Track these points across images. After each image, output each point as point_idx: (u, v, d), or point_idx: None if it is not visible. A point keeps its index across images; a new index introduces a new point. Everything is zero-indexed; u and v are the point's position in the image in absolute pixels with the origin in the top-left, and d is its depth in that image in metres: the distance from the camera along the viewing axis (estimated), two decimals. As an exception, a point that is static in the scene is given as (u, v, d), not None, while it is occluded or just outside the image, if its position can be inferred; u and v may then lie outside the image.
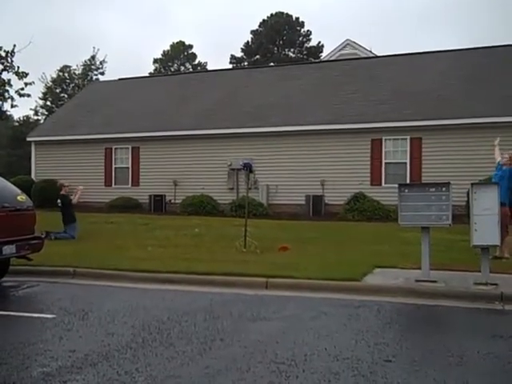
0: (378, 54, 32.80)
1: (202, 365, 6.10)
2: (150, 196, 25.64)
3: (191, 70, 63.30)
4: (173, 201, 25.69)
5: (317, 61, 48.77)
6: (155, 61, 67.61)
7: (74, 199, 17.13)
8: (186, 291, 10.23)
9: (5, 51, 20.96)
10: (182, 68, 66.12)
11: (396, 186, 10.73)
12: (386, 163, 23.16)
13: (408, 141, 22.79)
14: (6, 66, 21.09)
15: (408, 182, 21.29)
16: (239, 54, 63.68)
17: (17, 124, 59.11)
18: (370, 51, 34.97)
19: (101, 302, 9.53)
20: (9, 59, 20.97)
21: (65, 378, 5.68)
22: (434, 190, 10.20)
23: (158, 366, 6.03)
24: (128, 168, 27.39)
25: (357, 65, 28.88)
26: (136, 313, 8.53)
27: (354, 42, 34.77)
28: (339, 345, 6.79)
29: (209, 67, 63.17)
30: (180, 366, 6.08)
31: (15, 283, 11.19)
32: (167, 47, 68.10)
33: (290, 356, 6.33)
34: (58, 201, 16.90)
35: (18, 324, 8.29)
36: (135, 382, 5.55)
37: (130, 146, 27.33)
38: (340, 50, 34.64)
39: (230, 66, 58.38)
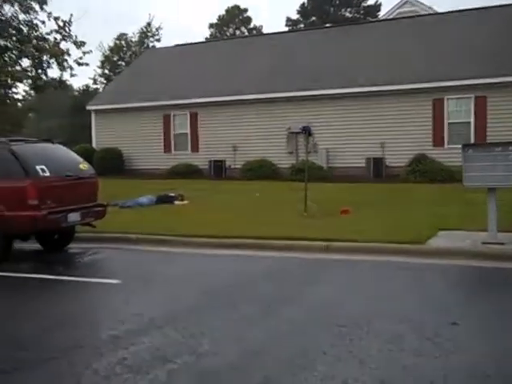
0: (439, 11, 31.72)
1: (265, 328, 6.13)
2: (210, 161, 25.76)
3: (247, 34, 62.81)
4: (232, 166, 25.77)
5: (374, 20, 47.62)
6: (211, 26, 67.38)
7: (176, 202, 17.05)
8: (247, 255, 10.29)
9: (62, 21, 21.21)
10: (238, 32, 65.70)
11: (460, 146, 10.43)
12: (448, 123, 22.54)
13: (472, 100, 22.08)
14: (63, 36, 21.35)
15: (472, 142, 20.69)
16: (295, 17, 62.76)
17: (76, 93, 60.15)
18: (431, 8, 33.86)
19: (164, 267, 9.69)
20: (66, 29, 21.22)
21: (132, 340, 5.81)
22: (500, 149, 9.86)
23: (223, 330, 6.09)
24: (187, 134, 27.54)
25: (416, 22, 28.00)
26: (198, 277, 8.63)
27: (414, -1, 33.74)
28: (403, 308, 6.72)
29: (264, 31, 62.61)
30: (245, 329, 6.12)
31: (80, 250, 11.49)
32: (222, 12, 67.78)
33: (352, 319, 6.29)
34: (173, 194, 17.24)
35: (85, 289, 8.51)
36: (200, 345, 5.62)
37: (188, 112, 27.42)
38: (399, 7, 33.65)
39: (286, 29, 57.60)
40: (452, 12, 28.35)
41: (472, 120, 22.08)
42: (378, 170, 22.86)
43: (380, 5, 60.24)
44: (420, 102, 22.80)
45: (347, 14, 61.18)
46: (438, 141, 22.60)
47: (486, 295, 7.54)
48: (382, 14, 50.82)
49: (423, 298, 7.16)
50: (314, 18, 60.87)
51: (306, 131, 15.54)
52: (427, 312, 6.55)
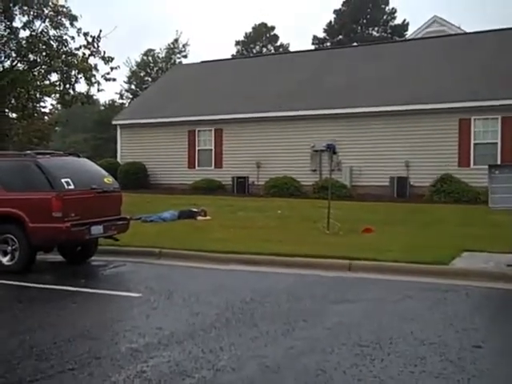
0: (468, 31, 31.57)
1: (286, 345, 6.08)
2: (233, 178, 25.82)
3: (273, 51, 63.05)
4: (256, 182, 25.79)
5: (402, 39, 47.59)
6: (237, 43, 67.82)
7: (199, 217, 17.04)
8: (269, 272, 10.25)
9: (91, 37, 21.46)
10: (265, 50, 66.01)
11: (486, 167, 10.33)
12: (474, 144, 22.36)
13: (499, 120, 21.89)
14: (92, 52, 21.58)
15: (499, 163, 20.46)
16: (322, 35, 62.99)
17: (103, 108, 60.82)
18: (459, 28, 33.74)
19: (185, 282, 9.70)
20: (95, 44, 21.47)
21: (151, 354, 5.80)
22: (527, 170, 9.76)
23: (242, 346, 6.06)
24: (211, 150, 27.65)
25: (444, 42, 27.91)
26: (220, 293, 8.61)
27: (442, 19, 33.60)
28: (425, 329, 6.62)
29: (291, 48, 62.80)
30: (264, 346, 6.09)
31: (103, 262, 11.54)
32: (249, 29, 68.22)
33: (374, 339, 6.22)
34: (195, 210, 17.27)
35: (107, 302, 8.55)
36: (220, 361, 5.59)
37: (212, 128, 27.56)
38: (426, 27, 33.57)
39: (313, 47, 57.77)
40: (480, 32, 28.19)
41: (499, 141, 21.88)
42: (402, 189, 22.72)
43: (407, 24, 60.24)
44: (446, 122, 22.67)
45: (374, 33, 61.20)
46: (463, 161, 22.41)
47: (509, 318, 7.42)
48: (409, 33, 50.75)
49: (446, 319, 7.06)
50: (340, 37, 60.99)
51: (331, 149, 15.54)
52: (450, 334, 6.46)
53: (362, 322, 7.00)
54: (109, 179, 11.55)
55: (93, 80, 21.99)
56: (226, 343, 6.13)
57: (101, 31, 21.62)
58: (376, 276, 9.69)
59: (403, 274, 9.72)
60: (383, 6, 61.63)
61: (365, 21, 61.74)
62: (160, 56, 58.70)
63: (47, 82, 22.84)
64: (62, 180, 10.30)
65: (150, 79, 57.19)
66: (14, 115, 24.66)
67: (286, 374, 5.29)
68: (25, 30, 21.82)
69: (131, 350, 5.92)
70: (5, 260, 10.41)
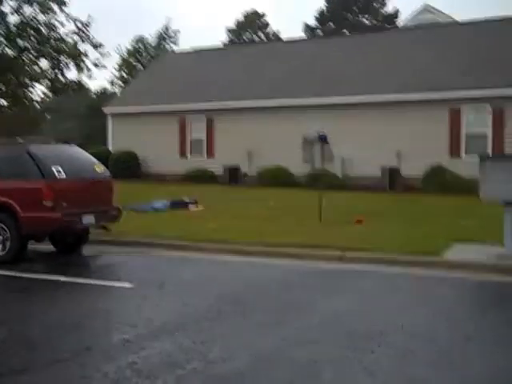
0: (458, 20, 31.51)
1: (278, 336, 6.09)
2: (225, 167, 25.75)
3: (264, 38, 62.80)
4: (248, 172, 25.74)
5: (392, 26, 47.49)
6: (228, 30, 67.50)
7: (191, 207, 16.95)
8: (261, 263, 10.24)
9: (80, 22, 21.38)
10: (255, 37, 65.70)
11: (477, 157, 10.33)
12: (466, 134, 22.38)
13: (490, 110, 21.92)
14: (82, 37, 21.53)
15: (490, 153, 20.49)
16: (313, 23, 62.73)
17: (94, 96, 60.43)
18: (450, 16, 33.68)
19: (177, 272, 9.69)
20: (84, 30, 21.40)
21: (143, 345, 5.79)
22: (518, 161, 9.77)
23: (234, 337, 6.06)
24: (203, 139, 27.56)
25: (435, 31, 27.85)
26: (212, 284, 8.61)
27: (433, 7, 33.53)
28: (417, 321, 6.65)
29: (282, 36, 62.48)
30: (256, 336, 6.09)
31: (94, 253, 11.50)
32: (240, 15, 67.79)
33: (365, 330, 6.24)
34: (187, 200, 17.20)
35: (98, 292, 8.53)
36: (211, 352, 5.59)
37: (204, 117, 27.46)
38: (417, 15, 33.51)
39: (304, 35, 57.53)
40: (471, 21, 28.14)
41: (490, 131, 21.91)
42: (393, 179, 22.72)
43: (398, 12, 60.13)
44: (437, 112, 22.65)
45: (365, 21, 61.07)
46: (455, 152, 22.43)
47: (499, 309, 7.45)
48: (400, 21, 50.65)
49: (437, 310, 7.09)
50: (331, 25, 60.77)
51: (323, 139, 15.49)
52: (441, 325, 6.48)
53: (354, 313, 7.02)
54: (100, 168, 11.49)
55: (82, 66, 21.94)
56: (216, 334, 6.13)
57: (90, 17, 21.56)
58: (368, 267, 9.71)
59: (395, 264, 9.73)
60: (374, -6, 61.41)
61: (356, 9, 61.57)
62: (150, 43, 58.28)
63: (36, 68, 22.76)
64: (53, 169, 10.23)
65: (141, 66, 56.80)
66: (5, 102, 24.56)
67: (278, 365, 5.30)
68: (13, 14, 21.72)
69: (122, 341, 5.90)
70: (-5, 249, 10.36)
